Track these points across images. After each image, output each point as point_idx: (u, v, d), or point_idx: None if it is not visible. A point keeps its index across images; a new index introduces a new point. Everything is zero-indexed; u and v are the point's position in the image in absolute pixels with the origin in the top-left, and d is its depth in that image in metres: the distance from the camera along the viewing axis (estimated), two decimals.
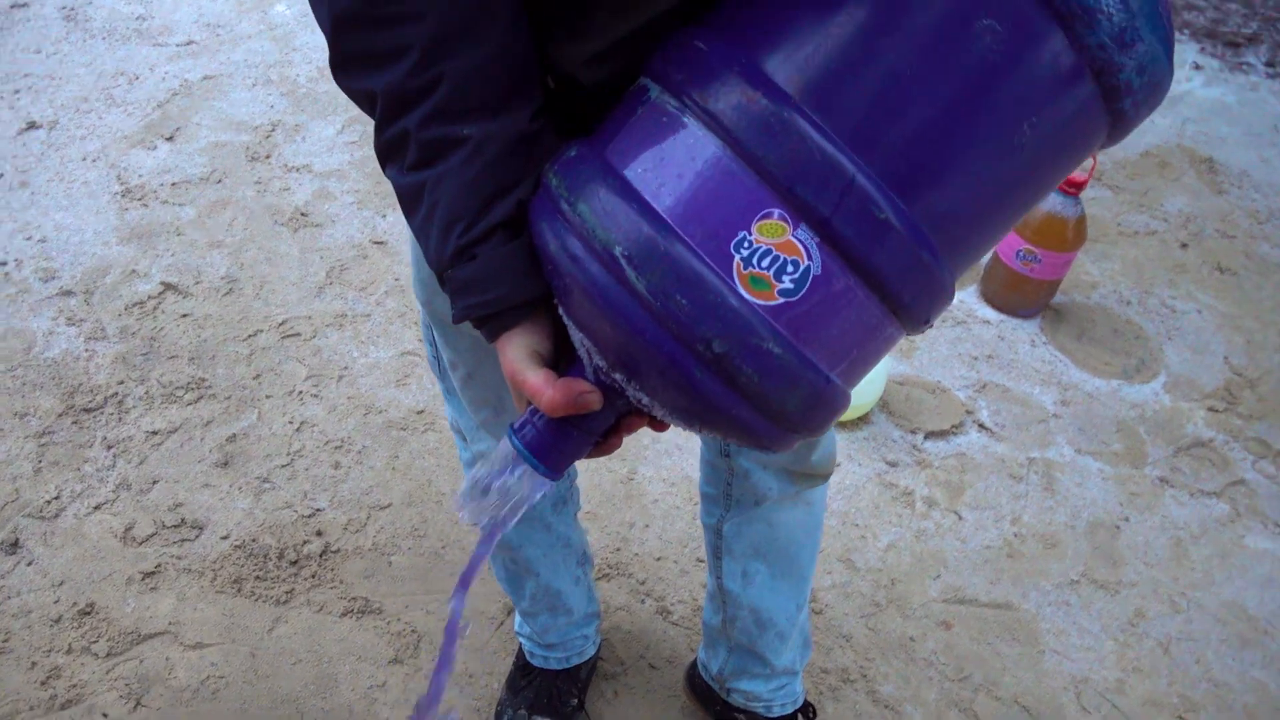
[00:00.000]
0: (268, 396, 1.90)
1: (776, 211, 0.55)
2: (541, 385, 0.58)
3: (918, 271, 0.57)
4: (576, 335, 0.59)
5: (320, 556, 1.64)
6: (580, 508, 1.33)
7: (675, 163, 0.56)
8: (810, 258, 0.55)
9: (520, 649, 1.45)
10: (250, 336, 2.01)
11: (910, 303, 0.58)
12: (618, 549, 1.70)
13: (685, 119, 0.57)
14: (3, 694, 1.42)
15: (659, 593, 1.64)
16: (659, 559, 1.70)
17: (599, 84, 0.67)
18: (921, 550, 1.76)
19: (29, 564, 1.59)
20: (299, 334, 2.02)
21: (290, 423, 1.85)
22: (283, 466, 1.78)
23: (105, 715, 1.40)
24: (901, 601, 1.68)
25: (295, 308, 2.07)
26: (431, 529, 1.70)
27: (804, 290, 0.55)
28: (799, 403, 0.57)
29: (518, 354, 0.60)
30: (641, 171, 0.57)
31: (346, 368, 1.96)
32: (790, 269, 0.55)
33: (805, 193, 0.54)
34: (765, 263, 0.55)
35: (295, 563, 1.62)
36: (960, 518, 1.82)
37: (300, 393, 1.91)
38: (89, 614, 1.53)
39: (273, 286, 2.12)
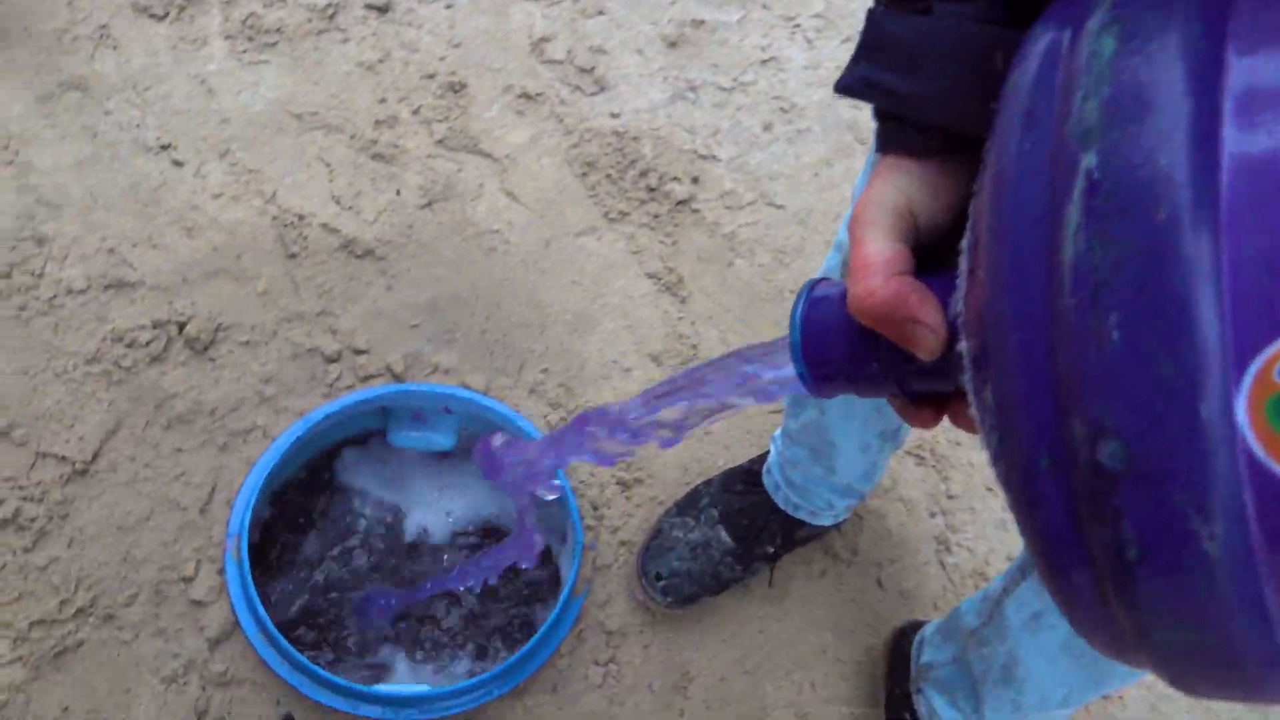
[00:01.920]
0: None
1: None
2: (873, 264, 0.37)
3: None
4: (966, 239, 0.35)
5: (679, 204, 1.44)
6: None
7: None
8: None
9: (766, 453, 1.21)
10: None
11: None
12: (957, 443, 1.37)
13: None
14: (345, 104, 1.41)
15: (957, 523, 1.32)
16: (990, 489, 1.35)
17: None
18: None
19: (448, 7, 1.52)
20: None
21: (763, 50, 1.59)
22: (720, 89, 1.55)
23: (399, 192, 1.36)
24: None
25: None
26: (800, 262, 1.44)
27: None
28: (1183, 644, 0.30)
29: (882, 196, 0.39)
30: (1260, 64, 0.28)
31: None
32: None
33: None
34: None
35: (652, 191, 1.44)
36: None
37: (803, 30, 1.62)
38: (456, 92, 1.45)
39: None
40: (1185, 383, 0.27)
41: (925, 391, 0.41)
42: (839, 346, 0.40)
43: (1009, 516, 1.33)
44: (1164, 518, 0.28)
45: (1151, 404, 0.27)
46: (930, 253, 0.40)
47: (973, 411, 0.35)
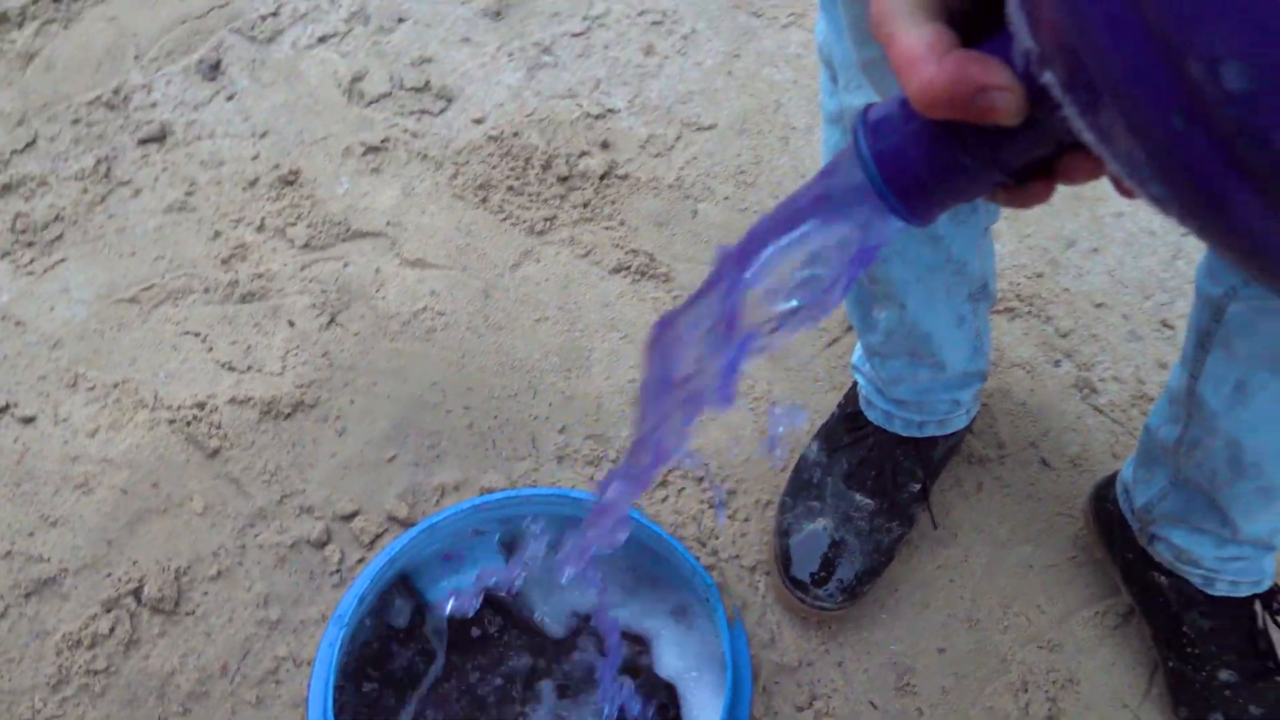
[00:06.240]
0: None
1: None
2: (918, 53, 0.42)
3: None
4: None
5: (601, 179, 1.48)
6: (999, 216, 1.07)
7: None
8: None
9: (853, 388, 1.25)
10: None
11: None
12: (1039, 274, 1.43)
13: None
14: (177, 261, 1.43)
15: (1085, 357, 1.38)
16: (1099, 305, 1.41)
17: None
18: None
19: (229, 98, 1.55)
20: None
21: None
22: (574, 35, 1.61)
23: (292, 324, 1.39)
24: None
25: None
26: (765, 174, 1.50)
27: None
28: None
29: None
30: None
31: None
32: None
33: None
34: None
35: (566, 180, 1.48)
36: None
37: None
38: (292, 184, 1.48)
39: None
40: None
41: (1028, 162, 0.45)
42: (922, 159, 0.46)
43: (1142, 325, 1.40)
44: None
45: (1255, 10, 0.31)
46: (970, 23, 0.44)
47: (1087, 137, 0.39)
